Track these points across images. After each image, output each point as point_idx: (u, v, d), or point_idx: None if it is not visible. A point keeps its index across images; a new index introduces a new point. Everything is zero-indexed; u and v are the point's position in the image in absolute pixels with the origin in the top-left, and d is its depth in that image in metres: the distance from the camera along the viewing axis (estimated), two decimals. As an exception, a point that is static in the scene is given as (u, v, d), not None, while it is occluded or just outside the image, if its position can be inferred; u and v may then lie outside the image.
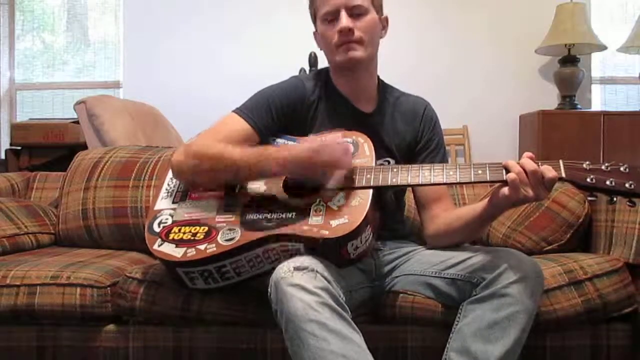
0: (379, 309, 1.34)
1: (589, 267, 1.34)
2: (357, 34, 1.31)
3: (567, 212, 1.51)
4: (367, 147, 1.28)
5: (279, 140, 1.35)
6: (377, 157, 1.28)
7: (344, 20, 1.30)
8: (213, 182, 1.29)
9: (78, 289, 1.38)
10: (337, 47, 1.33)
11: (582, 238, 1.54)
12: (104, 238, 1.78)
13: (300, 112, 1.36)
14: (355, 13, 1.32)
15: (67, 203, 1.84)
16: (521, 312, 1.11)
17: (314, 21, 1.42)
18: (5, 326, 1.39)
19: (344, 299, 1.09)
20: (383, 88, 1.45)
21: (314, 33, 1.43)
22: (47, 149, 3.20)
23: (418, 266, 1.32)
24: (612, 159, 1.10)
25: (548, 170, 1.09)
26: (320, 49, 1.43)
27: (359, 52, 1.33)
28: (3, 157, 3.45)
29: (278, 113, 1.34)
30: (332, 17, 1.32)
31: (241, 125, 1.31)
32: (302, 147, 1.20)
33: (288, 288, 1.04)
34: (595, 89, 3.62)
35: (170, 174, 1.37)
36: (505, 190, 1.12)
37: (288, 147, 1.22)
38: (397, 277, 1.35)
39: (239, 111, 1.34)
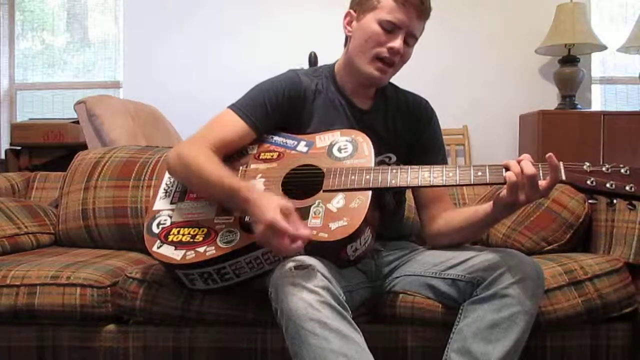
0: (379, 309, 1.34)
1: (589, 267, 1.34)
2: (397, 59, 1.31)
3: (567, 212, 1.51)
4: (365, 146, 1.26)
5: (277, 139, 1.34)
6: (378, 154, 1.27)
7: (399, 42, 1.28)
8: (196, 191, 1.30)
9: (78, 289, 1.37)
10: (375, 57, 1.30)
11: (582, 238, 1.54)
12: (104, 238, 1.78)
13: (295, 105, 1.35)
14: (407, 42, 1.31)
15: (67, 203, 1.84)
16: (522, 312, 1.11)
17: (362, 8, 1.32)
18: (5, 326, 1.39)
19: (344, 297, 1.09)
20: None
21: (349, 14, 1.35)
22: (47, 149, 3.20)
23: (418, 267, 1.31)
24: (612, 159, 1.10)
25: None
26: (348, 35, 1.36)
27: (386, 77, 1.33)
28: (3, 157, 3.45)
29: (273, 108, 1.33)
30: (391, 28, 1.28)
31: (237, 123, 1.31)
32: (266, 211, 1.06)
33: (289, 287, 1.04)
34: (595, 89, 3.62)
35: (168, 174, 1.37)
36: (503, 191, 1.12)
37: (257, 202, 1.10)
38: (397, 277, 1.34)
39: (235, 108, 1.33)
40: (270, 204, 1.07)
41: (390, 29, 1.28)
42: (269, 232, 1.05)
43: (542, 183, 1.08)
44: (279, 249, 1.07)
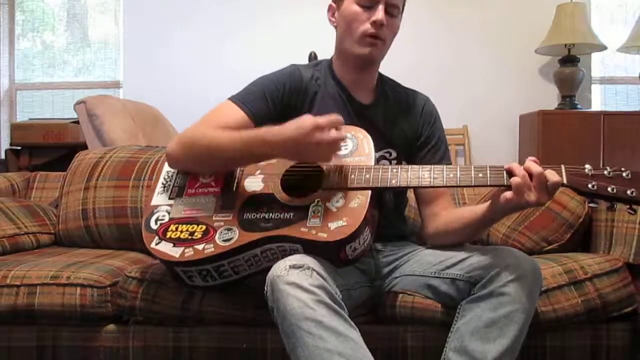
0: (379, 309, 1.34)
1: (589, 267, 1.34)
2: (385, 32, 1.31)
3: (567, 212, 1.51)
4: (366, 143, 1.25)
5: None
6: (378, 149, 1.27)
7: (381, 14, 1.29)
8: (206, 168, 1.30)
9: (78, 289, 1.38)
10: (363, 36, 1.31)
11: (582, 238, 1.54)
12: (104, 238, 1.78)
13: (296, 99, 1.35)
14: (390, 12, 1.32)
15: (67, 203, 1.84)
16: (519, 311, 1.10)
17: None
18: (5, 326, 1.39)
19: (340, 296, 1.08)
20: (382, 81, 1.45)
21: (331, 6, 1.40)
22: (47, 149, 3.19)
23: (418, 267, 1.31)
24: (612, 159, 1.10)
25: (552, 175, 1.08)
26: (334, 26, 1.40)
27: (378, 51, 1.33)
28: (3, 157, 3.45)
29: (274, 101, 1.33)
30: (369, 4, 1.30)
31: (236, 113, 1.30)
32: (302, 120, 1.12)
33: (284, 286, 1.04)
34: (595, 89, 3.62)
35: (166, 167, 1.36)
36: (508, 194, 1.10)
37: (276, 128, 1.16)
38: (397, 277, 1.34)
39: (234, 99, 1.33)
40: (298, 118, 1.12)
41: (368, 4, 1.30)
42: (316, 132, 1.09)
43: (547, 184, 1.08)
44: (326, 146, 1.11)
